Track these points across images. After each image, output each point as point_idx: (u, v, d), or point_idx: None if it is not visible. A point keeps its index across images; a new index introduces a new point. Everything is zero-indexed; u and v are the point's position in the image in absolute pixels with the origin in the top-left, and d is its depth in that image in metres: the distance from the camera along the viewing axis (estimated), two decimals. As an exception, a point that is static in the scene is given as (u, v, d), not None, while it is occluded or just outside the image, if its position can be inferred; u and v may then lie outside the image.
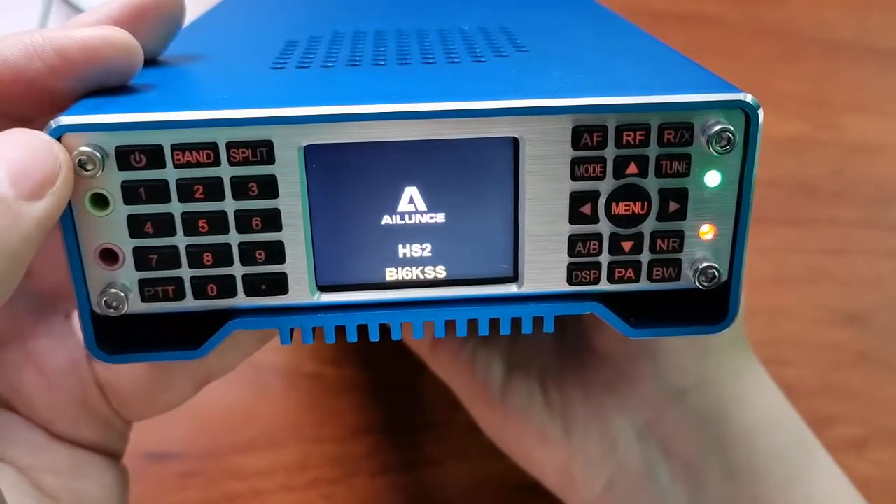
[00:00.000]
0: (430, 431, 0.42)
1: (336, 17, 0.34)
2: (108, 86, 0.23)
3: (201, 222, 0.22)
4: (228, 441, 0.40)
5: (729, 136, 0.21)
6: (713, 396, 0.32)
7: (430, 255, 0.23)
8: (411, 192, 0.23)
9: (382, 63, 0.25)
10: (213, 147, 0.21)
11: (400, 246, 0.23)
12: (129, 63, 0.22)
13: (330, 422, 0.41)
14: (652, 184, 0.22)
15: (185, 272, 0.22)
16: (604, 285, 0.23)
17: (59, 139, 0.21)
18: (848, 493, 0.31)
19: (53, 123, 0.20)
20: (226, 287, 0.23)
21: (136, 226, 0.22)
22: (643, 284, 0.23)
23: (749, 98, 0.21)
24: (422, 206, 0.23)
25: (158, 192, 0.21)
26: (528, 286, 0.23)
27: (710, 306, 0.23)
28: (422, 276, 0.24)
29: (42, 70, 0.22)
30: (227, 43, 0.30)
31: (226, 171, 0.21)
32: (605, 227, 0.23)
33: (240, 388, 0.28)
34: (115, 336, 0.23)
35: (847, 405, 0.46)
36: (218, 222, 0.22)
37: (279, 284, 0.23)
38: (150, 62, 0.25)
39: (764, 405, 0.32)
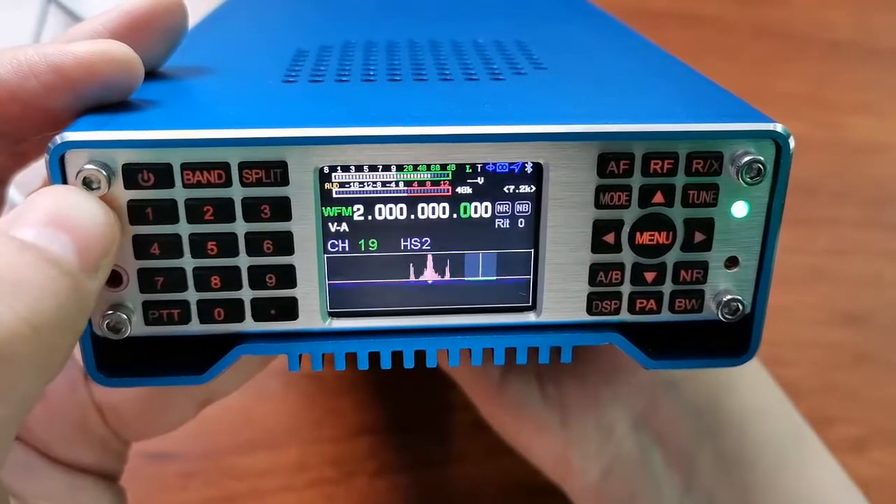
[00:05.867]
0: (429, 432, 0.42)
1: (343, 24, 0.33)
2: (108, 102, 0.21)
3: (210, 244, 0.21)
4: (228, 441, 0.40)
5: (759, 167, 0.21)
6: (705, 386, 0.32)
7: None
8: None
9: (398, 78, 0.24)
10: (225, 167, 0.20)
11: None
12: (129, 79, 0.21)
13: (329, 422, 0.41)
14: (678, 214, 0.22)
15: (192, 295, 0.22)
16: (624, 315, 0.23)
17: (62, 156, 0.20)
18: (839, 479, 0.31)
19: (59, 139, 0.20)
20: (233, 311, 0.22)
21: (141, 247, 0.21)
22: (664, 315, 0.23)
23: (780, 128, 0.21)
24: None
25: (166, 212, 0.21)
26: (547, 315, 0.23)
27: (731, 339, 0.23)
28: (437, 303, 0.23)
29: (37, 89, 0.21)
30: (232, 51, 0.29)
31: (237, 192, 0.21)
32: (627, 256, 0.22)
33: (239, 389, 0.28)
34: (116, 359, 0.22)
35: (847, 405, 0.46)
36: (227, 245, 0.21)
37: (289, 309, 0.22)
38: (151, 74, 0.24)
39: (755, 393, 0.32)
